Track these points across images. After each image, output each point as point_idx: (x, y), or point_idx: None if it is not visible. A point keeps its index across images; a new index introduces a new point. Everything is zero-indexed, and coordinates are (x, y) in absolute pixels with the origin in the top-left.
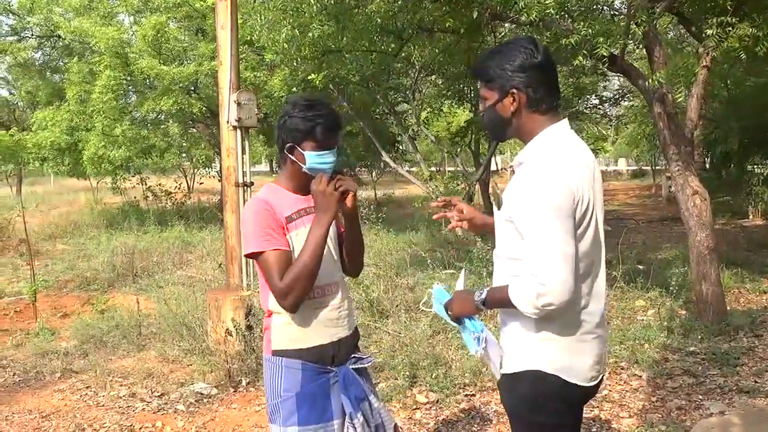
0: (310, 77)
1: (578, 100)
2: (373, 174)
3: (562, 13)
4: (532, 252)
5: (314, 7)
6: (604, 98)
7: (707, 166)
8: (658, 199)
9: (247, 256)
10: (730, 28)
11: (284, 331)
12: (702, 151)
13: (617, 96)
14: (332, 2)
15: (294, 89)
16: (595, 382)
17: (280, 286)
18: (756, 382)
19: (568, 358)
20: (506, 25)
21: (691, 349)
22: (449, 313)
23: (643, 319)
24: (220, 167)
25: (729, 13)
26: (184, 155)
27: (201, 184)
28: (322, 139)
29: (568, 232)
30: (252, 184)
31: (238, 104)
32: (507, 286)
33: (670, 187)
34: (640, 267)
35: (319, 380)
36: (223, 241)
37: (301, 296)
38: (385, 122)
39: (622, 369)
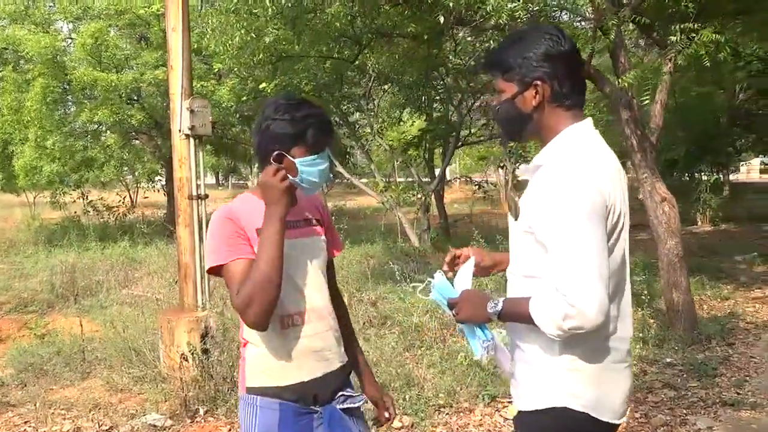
0: (261, 86)
1: None
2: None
3: (529, 16)
4: (559, 266)
5: (269, 10)
6: None
7: None
8: None
9: (209, 272)
10: (694, 34)
11: (260, 365)
12: (653, 159)
13: None
14: (289, 5)
15: (243, 99)
16: (625, 418)
17: (236, 300)
18: (738, 393)
19: (597, 391)
20: (466, 30)
21: (668, 360)
22: (454, 313)
23: None
24: (166, 180)
25: (692, 20)
26: (126, 168)
27: (145, 198)
28: (315, 142)
29: (601, 243)
30: (207, 196)
31: (191, 111)
32: (527, 301)
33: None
34: None
35: (301, 422)
36: (176, 258)
37: (263, 310)
38: (337, 132)
39: None
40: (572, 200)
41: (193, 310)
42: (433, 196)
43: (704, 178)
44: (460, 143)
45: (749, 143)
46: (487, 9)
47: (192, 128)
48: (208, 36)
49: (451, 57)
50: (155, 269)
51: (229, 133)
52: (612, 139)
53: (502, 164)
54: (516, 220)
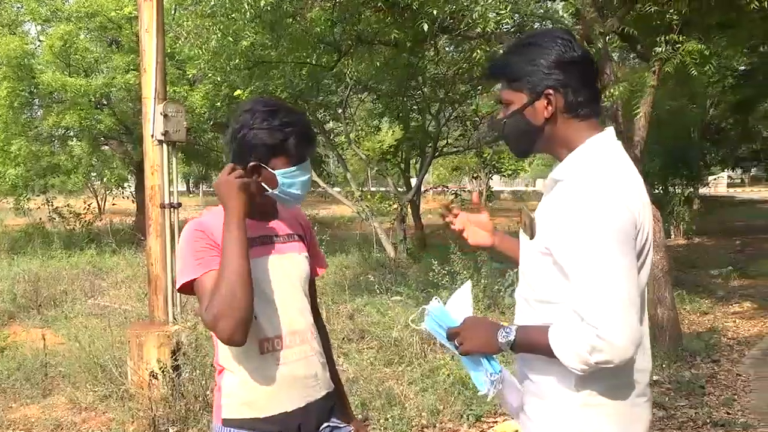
0: (236, 93)
1: None
2: None
3: (516, 26)
4: (586, 294)
5: (247, 13)
6: None
7: None
8: None
9: (180, 290)
10: (679, 45)
11: (238, 395)
12: None
13: None
14: (268, 9)
15: (217, 105)
16: None
17: (206, 316)
18: (728, 413)
19: (618, 429)
20: (445, 39)
21: (655, 378)
22: (456, 344)
23: None
24: (135, 187)
25: (676, 31)
26: (94, 175)
27: (113, 205)
28: (297, 152)
29: (632, 267)
30: (180, 205)
31: (165, 116)
32: (546, 330)
33: None
34: None
35: None
36: (146, 269)
37: (235, 324)
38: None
39: None
40: (600, 220)
41: (163, 324)
42: (409, 206)
43: (677, 191)
44: (437, 153)
45: (719, 157)
46: (474, 17)
47: (165, 134)
48: (183, 39)
49: (430, 66)
50: (123, 279)
51: (201, 139)
52: None
53: (475, 175)
54: (531, 239)
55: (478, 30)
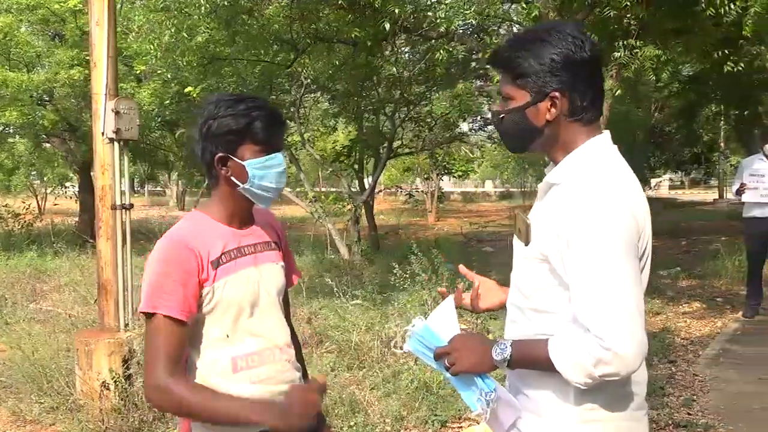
0: (186, 90)
1: (462, 122)
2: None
3: (479, 27)
4: (590, 303)
5: (203, 8)
6: (488, 120)
7: None
8: None
9: (142, 312)
10: (636, 50)
11: None
12: None
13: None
14: (224, 4)
15: (166, 102)
16: None
17: (153, 380)
18: (689, 414)
19: None
20: (402, 40)
21: None
22: (447, 365)
23: None
24: (79, 186)
25: (634, 36)
26: (34, 174)
27: (55, 204)
28: (266, 137)
29: (637, 275)
30: (132, 206)
31: (116, 113)
32: (544, 343)
33: None
34: None
35: None
36: (95, 273)
37: (164, 411)
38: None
39: None
40: (605, 226)
41: (114, 330)
42: (363, 207)
43: None
44: (391, 154)
45: (662, 160)
46: (438, 16)
47: (117, 132)
48: (133, 34)
49: (386, 66)
50: (67, 282)
51: (148, 138)
52: None
53: (427, 176)
54: (526, 245)
55: (441, 29)
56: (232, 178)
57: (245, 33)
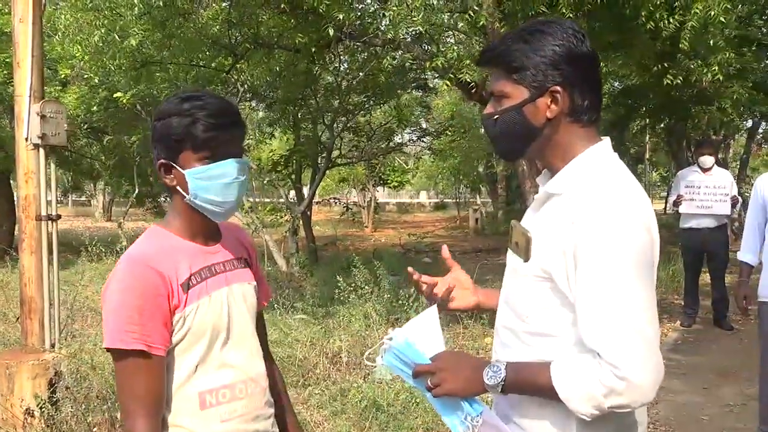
0: (115, 95)
1: (401, 132)
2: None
3: (427, 35)
4: (602, 327)
5: (136, 9)
6: (427, 131)
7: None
8: (465, 231)
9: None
10: None
11: None
12: (505, 185)
13: (440, 130)
14: (159, 5)
15: (94, 108)
16: None
17: (128, 421)
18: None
19: None
20: (345, 45)
21: None
22: (430, 385)
23: None
24: None
25: None
26: None
27: None
28: (207, 143)
29: (653, 297)
30: (59, 217)
31: (42, 117)
32: (545, 368)
33: (477, 219)
34: None
35: None
36: (16, 289)
37: None
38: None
39: None
40: (618, 242)
41: (38, 351)
42: (300, 219)
43: None
44: (330, 164)
45: None
46: (385, 23)
47: (43, 137)
48: (59, 35)
49: (326, 75)
50: None
51: (74, 145)
52: None
53: (362, 186)
54: (526, 261)
55: (389, 36)
56: (178, 188)
57: (181, 36)
